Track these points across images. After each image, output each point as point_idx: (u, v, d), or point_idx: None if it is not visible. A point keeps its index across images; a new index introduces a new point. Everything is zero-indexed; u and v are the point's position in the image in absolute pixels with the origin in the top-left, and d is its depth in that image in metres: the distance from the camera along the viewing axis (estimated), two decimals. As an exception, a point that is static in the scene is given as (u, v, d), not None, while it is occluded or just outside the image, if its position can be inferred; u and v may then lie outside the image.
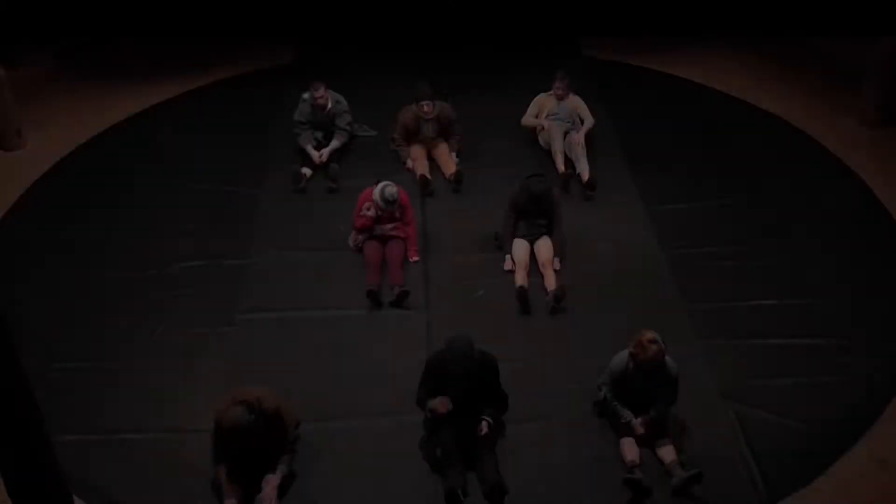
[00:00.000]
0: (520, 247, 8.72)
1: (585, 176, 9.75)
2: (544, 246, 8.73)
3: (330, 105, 10.23)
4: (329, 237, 9.16)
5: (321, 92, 10.09)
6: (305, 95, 10.22)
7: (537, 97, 10.50)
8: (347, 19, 12.46)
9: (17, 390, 4.40)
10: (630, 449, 6.86)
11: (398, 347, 7.86)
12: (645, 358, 6.65)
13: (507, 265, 8.68)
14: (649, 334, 6.68)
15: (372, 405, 7.34)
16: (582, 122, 10.34)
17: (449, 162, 10.14)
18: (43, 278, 8.77)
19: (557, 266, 8.65)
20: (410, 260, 8.82)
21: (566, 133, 10.20)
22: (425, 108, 10.07)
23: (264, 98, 11.56)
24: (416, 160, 10.12)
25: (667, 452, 6.83)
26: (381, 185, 8.64)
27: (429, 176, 9.90)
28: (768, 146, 10.69)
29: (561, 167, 9.96)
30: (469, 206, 9.60)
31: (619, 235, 9.11)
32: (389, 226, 8.84)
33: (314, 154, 10.11)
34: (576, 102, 10.45)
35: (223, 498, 6.49)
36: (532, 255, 8.75)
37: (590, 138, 10.29)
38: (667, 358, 6.75)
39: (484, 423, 6.79)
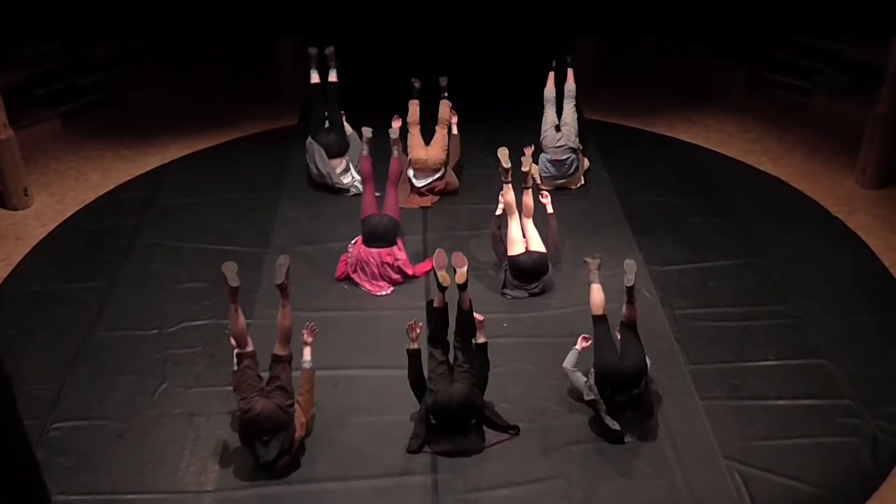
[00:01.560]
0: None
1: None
2: None
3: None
4: (337, 296, 9.20)
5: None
6: None
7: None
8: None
9: (20, 454, 4.31)
10: None
11: (404, 404, 7.69)
12: None
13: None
14: None
15: (376, 465, 7.23)
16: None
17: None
18: (46, 335, 8.70)
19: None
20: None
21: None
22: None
23: (272, 158, 11.66)
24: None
25: None
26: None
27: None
28: (769, 207, 10.70)
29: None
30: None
31: (621, 297, 8.75)
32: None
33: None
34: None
35: None
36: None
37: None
38: None
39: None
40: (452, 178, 10.88)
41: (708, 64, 13.78)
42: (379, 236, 9.25)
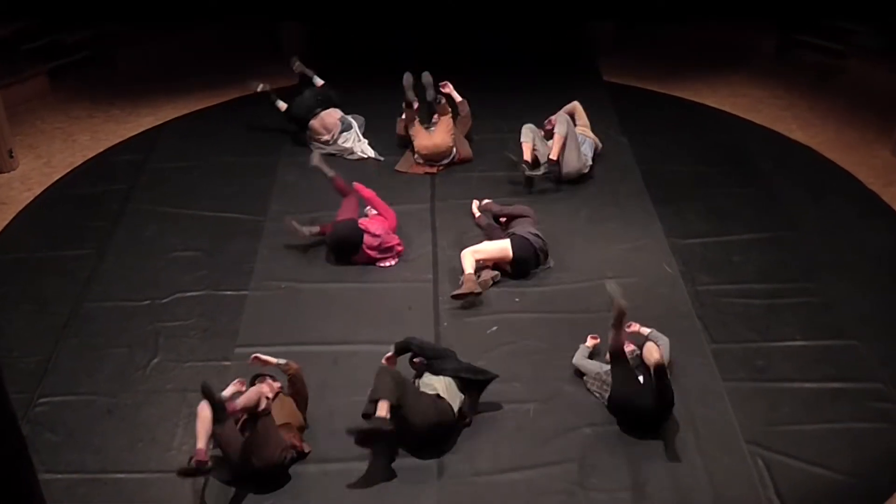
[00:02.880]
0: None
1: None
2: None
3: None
4: (338, 267, 9.19)
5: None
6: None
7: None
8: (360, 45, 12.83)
9: (5, 429, 4.33)
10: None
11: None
12: None
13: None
14: None
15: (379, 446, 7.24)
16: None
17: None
18: (32, 306, 8.74)
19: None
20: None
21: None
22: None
23: (271, 120, 11.59)
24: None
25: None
26: None
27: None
28: (799, 178, 10.66)
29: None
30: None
31: (640, 271, 9.04)
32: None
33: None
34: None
35: None
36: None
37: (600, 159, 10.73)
38: None
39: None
40: (465, 149, 10.84)
41: (735, 23, 13.66)
42: (347, 251, 9.20)
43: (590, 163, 10.49)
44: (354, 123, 11.14)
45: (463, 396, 7.29)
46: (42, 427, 7.37)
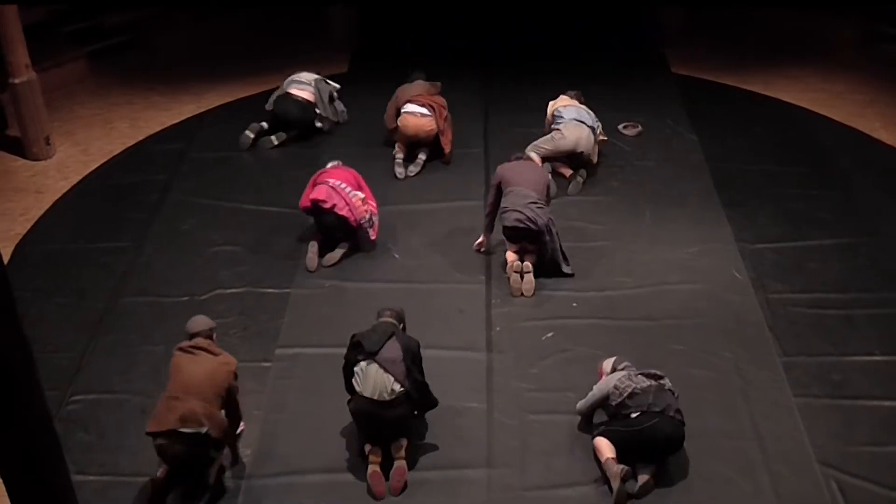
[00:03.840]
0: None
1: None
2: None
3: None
4: (385, 265, 9.22)
5: None
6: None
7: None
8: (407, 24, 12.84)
9: (40, 427, 4.34)
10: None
11: (457, 390, 7.72)
12: None
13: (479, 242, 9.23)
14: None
15: (426, 457, 7.25)
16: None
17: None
18: (66, 300, 8.83)
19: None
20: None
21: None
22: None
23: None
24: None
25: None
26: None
27: None
28: (880, 180, 10.53)
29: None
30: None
31: (706, 276, 8.98)
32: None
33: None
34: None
35: None
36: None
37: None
38: None
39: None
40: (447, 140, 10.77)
41: (813, 11, 13.55)
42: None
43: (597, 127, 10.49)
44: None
45: None
46: (75, 426, 7.42)
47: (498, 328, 8.37)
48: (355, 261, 9.23)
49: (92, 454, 7.23)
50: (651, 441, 6.81)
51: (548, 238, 8.79)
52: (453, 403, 7.51)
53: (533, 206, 8.73)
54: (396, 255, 9.34)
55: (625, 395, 6.92)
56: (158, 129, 11.68)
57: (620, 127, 11.26)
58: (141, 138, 11.48)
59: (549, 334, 8.34)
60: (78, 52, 12.73)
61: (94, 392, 7.79)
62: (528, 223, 8.68)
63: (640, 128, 11.29)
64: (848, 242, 9.50)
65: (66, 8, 12.73)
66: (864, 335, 8.33)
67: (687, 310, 8.58)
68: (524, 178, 8.95)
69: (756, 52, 13.39)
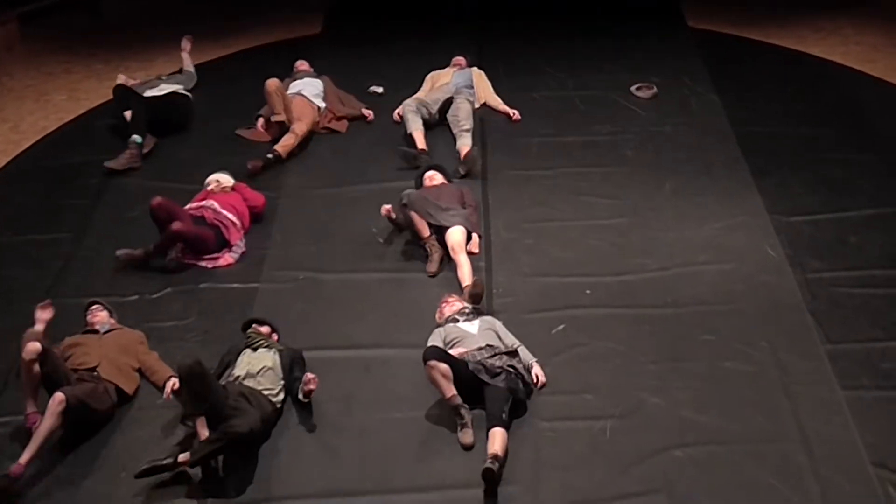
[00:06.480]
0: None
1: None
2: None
3: None
4: (368, 253, 9.14)
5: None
6: None
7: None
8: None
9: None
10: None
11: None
12: None
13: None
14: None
15: (421, 473, 7.11)
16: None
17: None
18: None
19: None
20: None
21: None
22: None
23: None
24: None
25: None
26: None
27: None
28: (931, 142, 10.53)
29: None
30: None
31: (737, 255, 8.94)
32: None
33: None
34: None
35: None
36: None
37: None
38: None
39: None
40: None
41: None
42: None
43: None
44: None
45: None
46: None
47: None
48: (332, 248, 9.12)
49: (20, 489, 6.92)
50: None
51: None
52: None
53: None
54: (381, 240, 9.25)
55: None
56: (101, 101, 11.56)
57: (633, 88, 11.34)
58: (81, 112, 11.40)
59: (560, 327, 8.25)
60: (6, 14, 12.65)
61: (21, 413, 7.41)
62: None
63: (654, 89, 11.34)
64: (892, 212, 9.49)
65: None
66: (914, 318, 8.30)
67: (716, 294, 8.49)
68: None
69: (783, 2, 13.43)
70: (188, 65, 11.63)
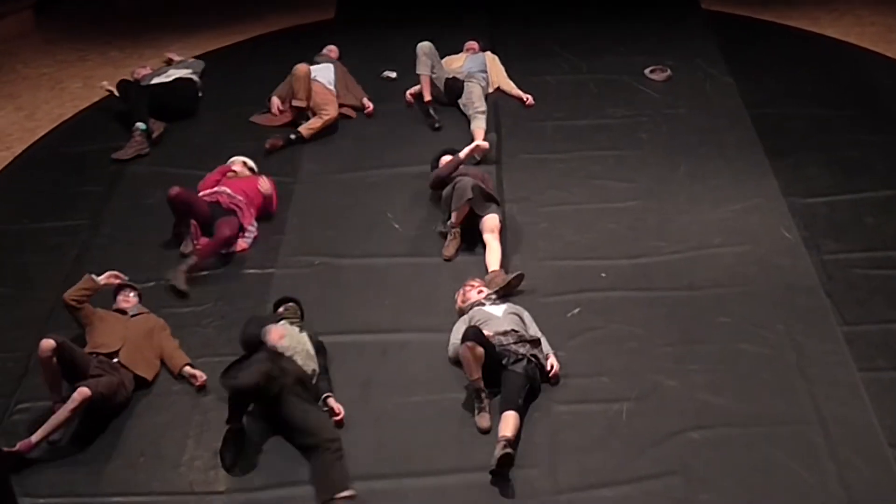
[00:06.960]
0: None
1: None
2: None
3: None
4: (384, 237, 9.16)
5: None
6: None
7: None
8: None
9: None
10: None
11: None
12: None
13: None
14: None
15: (438, 457, 7.14)
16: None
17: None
18: (10, 290, 8.72)
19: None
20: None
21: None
22: None
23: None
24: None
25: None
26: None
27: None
28: (949, 123, 10.50)
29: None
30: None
31: (752, 237, 8.94)
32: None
33: None
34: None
35: None
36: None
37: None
38: None
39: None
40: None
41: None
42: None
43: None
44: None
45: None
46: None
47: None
48: (348, 233, 9.14)
49: (42, 472, 7.01)
50: None
51: None
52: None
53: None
54: (396, 226, 9.26)
55: None
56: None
57: (647, 71, 11.35)
58: (96, 100, 11.38)
59: (576, 310, 8.25)
60: (21, 2, 12.68)
61: (44, 399, 7.51)
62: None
63: (668, 72, 11.34)
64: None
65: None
66: (932, 299, 8.27)
67: (732, 276, 8.50)
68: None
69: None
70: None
